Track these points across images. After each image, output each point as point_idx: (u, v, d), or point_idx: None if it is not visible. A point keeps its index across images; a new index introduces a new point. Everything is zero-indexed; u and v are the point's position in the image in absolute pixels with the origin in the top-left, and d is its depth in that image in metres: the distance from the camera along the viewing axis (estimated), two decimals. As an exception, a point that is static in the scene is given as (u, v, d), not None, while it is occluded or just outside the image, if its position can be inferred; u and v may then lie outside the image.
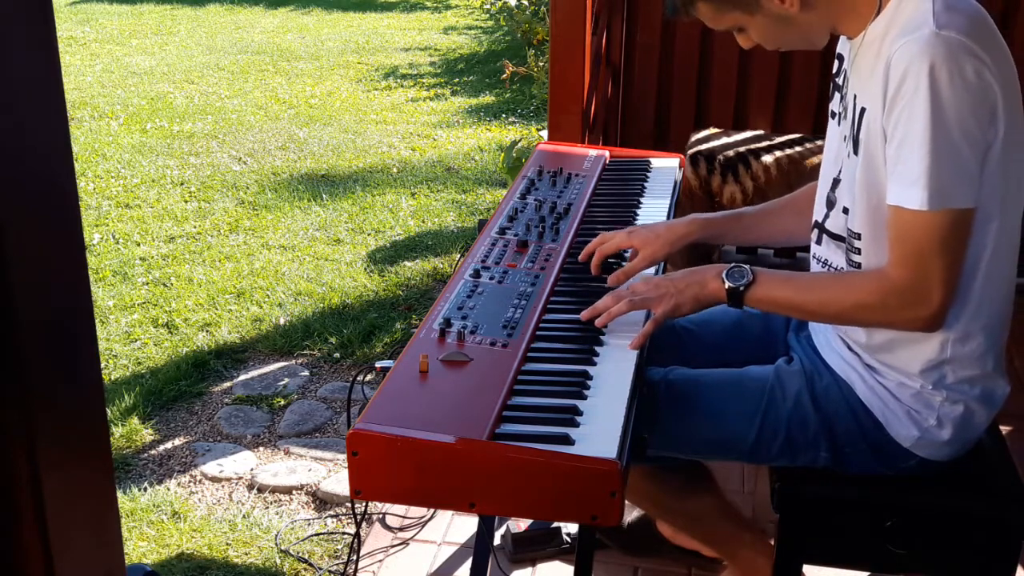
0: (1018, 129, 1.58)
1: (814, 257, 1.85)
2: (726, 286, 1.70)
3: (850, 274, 1.72)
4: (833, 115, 1.82)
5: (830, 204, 1.79)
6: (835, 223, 1.77)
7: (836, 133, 1.79)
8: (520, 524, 2.45)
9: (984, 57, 1.50)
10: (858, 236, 1.68)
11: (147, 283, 4.12)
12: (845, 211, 1.72)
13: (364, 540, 2.51)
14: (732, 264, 1.71)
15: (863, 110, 1.63)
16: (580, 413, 1.52)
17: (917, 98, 1.49)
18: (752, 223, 2.06)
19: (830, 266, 1.80)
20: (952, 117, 1.48)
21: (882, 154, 1.57)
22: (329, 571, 2.48)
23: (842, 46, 1.82)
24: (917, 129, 1.49)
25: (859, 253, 1.69)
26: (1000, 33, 1.60)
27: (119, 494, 2.74)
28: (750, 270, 1.69)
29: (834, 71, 1.84)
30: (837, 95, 1.81)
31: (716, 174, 3.30)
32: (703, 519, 2.14)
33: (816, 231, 1.83)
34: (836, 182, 1.77)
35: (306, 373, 3.47)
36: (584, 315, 1.75)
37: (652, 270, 1.95)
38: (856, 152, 1.65)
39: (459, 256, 4.24)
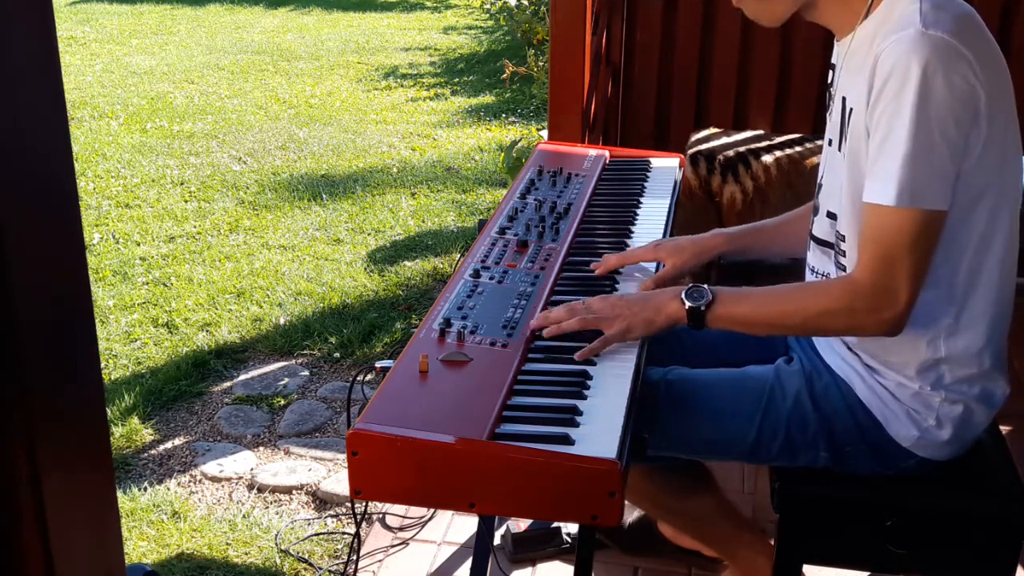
0: (1009, 127, 1.58)
1: (807, 265, 1.86)
2: (686, 306, 1.67)
3: (814, 283, 1.73)
4: (828, 124, 1.82)
5: (815, 210, 1.79)
6: (820, 228, 1.77)
7: (825, 139, 1.80)
8: (520, 524, 2.45)
9: (970, 58, 1.50)
10: (843, 239, 1.68)
11: (147, 283, 4.12)
12: (830, 215, 1.73)
13: (364, 540, 2.51)
14: (691, 285, 1.70)
15: (851, 111, 1.64)
16: (580, 413, 1.52)
17: (901, 96, 1.49)
18: (774, 234, 2.06)
19: (818, 272, 1.81)
20: (933, 117, 1.48)
21: (864, 152, 1.58)
22: (329, 571, 2.48)
23: (835, 56, 1.82)
24: (899, 127, 1.49)
25: (844, 256, 1.69)
26: (990, 33, 1.60)
27: (119, 494, 2.74)
28: (709, 290, 1.67)
29: (828, 82, 1.85)
30: (830, 103, 1.81)
31: (716, 174, 3.29)
32: (703, 519, 2.14)
33: (808, 239, 1.84)
34: (819, 187, 1.78)
35: (306, 373, 3.47)
36: (534, 323, 1.72)
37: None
38: (842, 152, 1.66)
39: (459, 256, 4.24)
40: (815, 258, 1.81)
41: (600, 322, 1.70)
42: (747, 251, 2.08)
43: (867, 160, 1.57)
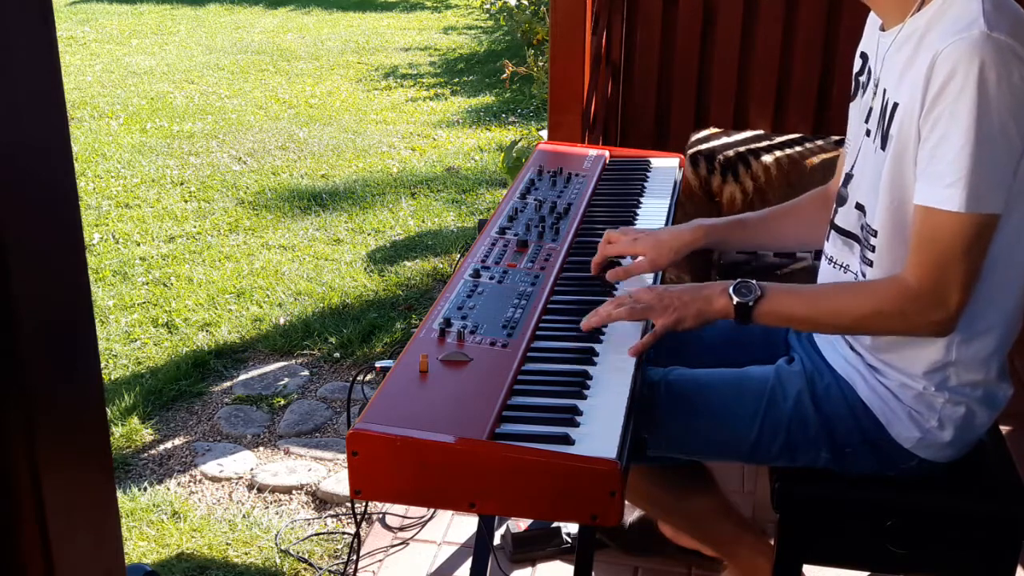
0: None
1: (824, 255, 1.84)
2: (734, 302, 1.66)
3: (863, 282, 1.70)
4: (854, 112, 1.81)
5: (841, 200, 1.78)
6: (845, 219, 1.76)
7: (857, 131, 1.78)
8: (520, 524, 2.45)
9: None
10: (875, 233, 1.67)
11: (147, 283, 4.12)
12: (859, 207, 1.71)
13: (364, 540, 2.51)
14: (739, 280, 1.67)
15: (895, 106, 1.61)
16: (580, 413, 1.52)
17: (963, 98, 1.47)
18: (756, 229, 2.05)
19: (837, 263, 1.79)
20: (996, 120, 1.47)
21: (913, 152, 1.55)
22: (329, 571, 2.48)
23: (865, 44, 1.81)
24: (959, 130, 1.47)
25: (874, 251, 1.67)
26: None
27: (119, 494, 2.74)
28: (758, 285, 1.66)
29: (856, 70, 1.83)
30: (860, 92, 1.79)
31: (716, 174, 3.29)
32: (703, 519, 2.14)
33: (828, 228, 1.83)
34: (849, 177, 1.76)
35: (306, 373, 3.47)
36: (584, 324, 1.72)
37: (650, 277, 1.95)
38: (884, 148, 1.64)
39: (459, 256, 4.24)
40: (836, 249, 1.79)
41: (649, 312, 1.70)
42: (726, 243, 2.08)
43: (917, 161, 1.55)
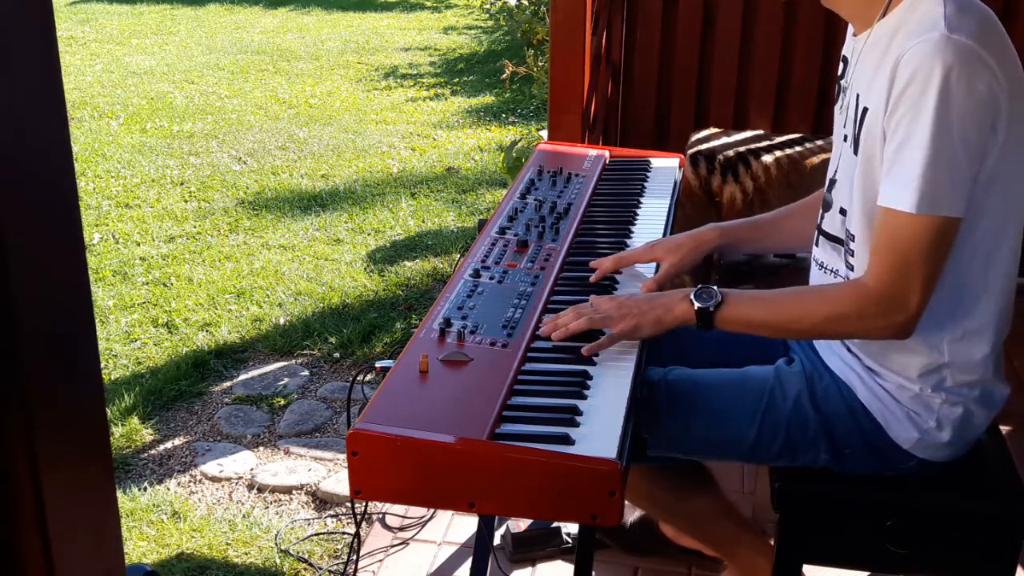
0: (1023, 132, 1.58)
1: (814, 260, 1.85)
2: (695, 307, 1.67)
3: (823, 286, 1.72)
4: (837, 117, 1.81)
5: (826, 205, 1.79)
6: (831, 224, 1.77)
7: (838, 134, 1.79)
8: (520, 524, 2.45)
9: (992, 64, 1.49)
10: (853, 237, 1.68)
11: (147, 283, 4.12)
12: (842, 212, 1.72)
13: (364, 540, 2.51)
14: (700, 286, 1.69)
15: (865, 110, 1.62)
16: (580, 413, 1.52)
17: (923, 101, 1.48)
18: (769, 229, 2.05)
19: (827, 268, 1.80)
20: (955, 123, 1.47)
21: (880, 155, 1.57)
22: (329, 571, 2.48)
23: (847, 49, 1.82)
24: (919, 132, 1.48)
25: (853, 255, 1.68)
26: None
27: (119, 494, 2.74)
28: (718, 291, 1.67)
29: (839, 74, 1.84)
30: (841, 97, 1.80)
31: (716, 174, 3.29)
32: (703, 519, 2.14)
33: (816, 233, 1.83)
34: (832, 183, 1.77)
35: (306, 373, 3.47)
36: (543, 330, 1.72)
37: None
38: (856, 152, 1.65)
39: (459, 256, 4.24)
40: (825, 254, 1.80)
41: (608, 321, 1.70)
42: (741, 245, 2.07)
43: (882, 163, 1.56)
